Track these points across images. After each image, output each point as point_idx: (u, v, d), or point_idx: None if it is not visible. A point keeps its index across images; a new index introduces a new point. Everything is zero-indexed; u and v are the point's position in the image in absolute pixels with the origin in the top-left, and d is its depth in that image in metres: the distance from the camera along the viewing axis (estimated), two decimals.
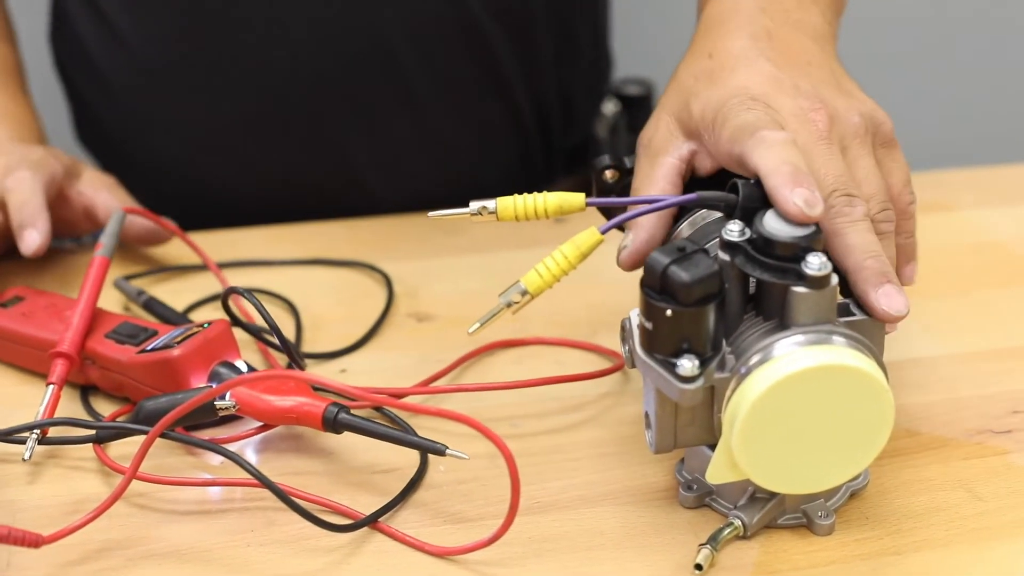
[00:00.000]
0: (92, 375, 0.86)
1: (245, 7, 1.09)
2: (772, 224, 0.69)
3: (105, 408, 0.85)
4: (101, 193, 1.00)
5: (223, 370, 0.82)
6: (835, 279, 0.69)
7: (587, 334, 0.90)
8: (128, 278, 0.97)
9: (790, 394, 0.67)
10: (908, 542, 0.73)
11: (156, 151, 1.17)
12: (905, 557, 0.72)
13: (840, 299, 0.71)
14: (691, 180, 0.78)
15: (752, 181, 0.71)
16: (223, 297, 0.86)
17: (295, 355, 0.84)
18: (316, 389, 0.79)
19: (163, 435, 0.75)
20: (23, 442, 0.79)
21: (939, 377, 0.86)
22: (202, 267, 0.99)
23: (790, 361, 0.67)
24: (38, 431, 0.79)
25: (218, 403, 0.78)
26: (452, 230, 1.03)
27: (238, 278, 0.99)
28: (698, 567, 0.70)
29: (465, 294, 0.96)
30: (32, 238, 0.92)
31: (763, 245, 0.69)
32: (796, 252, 0.68)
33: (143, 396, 0.81)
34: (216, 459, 0.80)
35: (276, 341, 0.83)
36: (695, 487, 0.75)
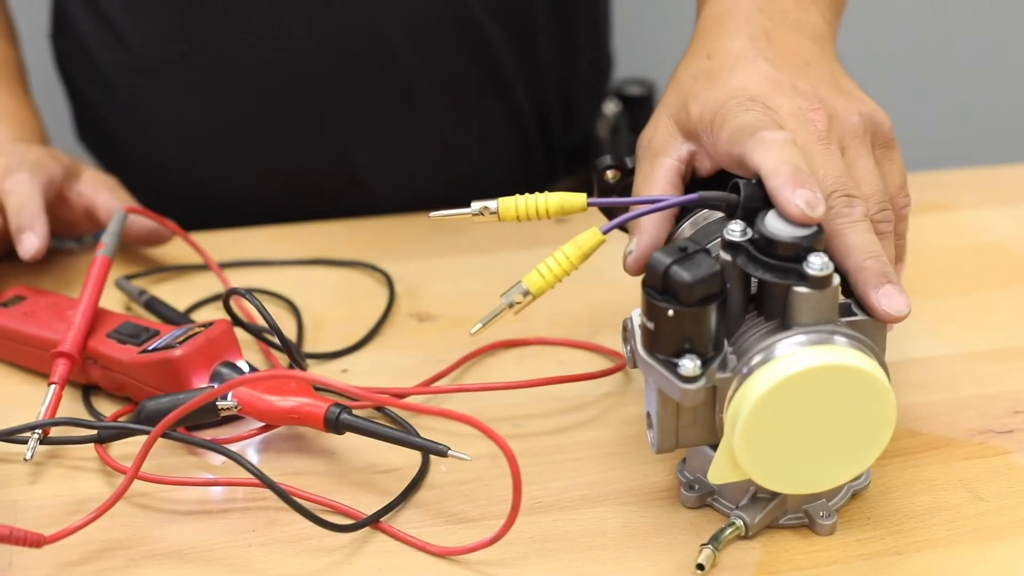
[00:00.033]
0: (94, 375, 0.86)
1: (245, 7, 1.09)
2: (774, 224, 0.69)
3: (107, 408, 0.85)
4: (102, 194, 1.00)
5: (225, 370, 0.82)
6: (837, 279, 0.69)
7: (589, 334, 0.90)
8: (130, 278, 0.97)
9: (792, 394, 0.67)
10: (910, 542, 0.73)
11: (156, 151, 1.17)
12: (907, 557, 0.72)
13: (841, 299, 0.71)
14: (692, 181, 0.78)
15: (753, 181, 0.71)
16: (224, 297, 0.86)
17: (296, 355, 0.84)
18: (318, 389, 0.79)
19: (165, 435, 0.75)
20: (25, 442, 0.79)
21: (940, 377, 0.86)
22: (204, 267, 0.99)
23: (792, 361, 0.67)
24: (40, 431, 0.79)
25: (220, 403, 0.78)
26: (453, 230, 1.03)
27: (239, 278, 0.99)
28: (700, 567, 0.70)
29: (466, 294, 0.96)
30: (30, 242, 0.92)
31: (765, 245, 0.69)
32: (798, 252, 0.68)
33: (145, 396, 0.81)
34: (218, 459, 0.80)
35: (277, 341, 0.83)
36: (697, 487, 0.75)
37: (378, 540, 0.74)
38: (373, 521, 0.74)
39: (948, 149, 1.64)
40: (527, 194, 0.75)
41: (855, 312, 0.71)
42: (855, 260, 0.71)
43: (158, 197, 1.11)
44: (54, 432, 0.80)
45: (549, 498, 0.76)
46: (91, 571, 0.72)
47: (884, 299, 0.70)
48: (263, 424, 0.80)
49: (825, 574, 0.71)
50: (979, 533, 0.74)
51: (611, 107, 1.29)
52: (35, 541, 0.70)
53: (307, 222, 1.08)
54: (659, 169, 0.77)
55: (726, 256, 0.69)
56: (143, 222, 0.98)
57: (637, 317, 0.71)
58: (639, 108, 1.29)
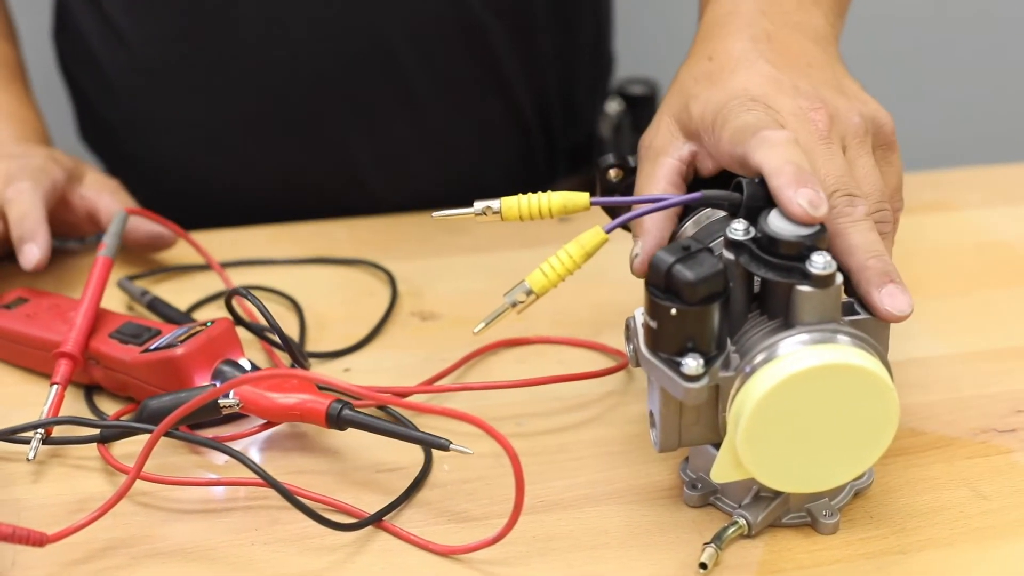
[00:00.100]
0: (96, 375, 0.86)
1: (245, 7, 1.09)
2: (776, 223, 0.69)
3: (109, 407, 0.85)
4: (104, 197, 1.00)
5: (227, 368, 0.82)
6: (839, 278, 0.69)
7: (591, 333, 0.90)
8: (131, 278, 0.97)
9: (795, 393, 0.67)
10: (912, 541, 0.73)
11: (157, 150, 1.17)
12: (909, 556, 0.72)
13: (844, 298, 0.71)
14: (694, 181, 0.78)
15: (756, 180, 0.71)
16: (226, 297, 0.86)
17: (298, 354, 0.84)
18: (320, 388, 0.79)
19: (167, 434, 0.75)
20: (27, 441, 0.79)
21: (942, 377, 0.86)
22: (205, 267, 0.99)
23: (795, 360, 0.67)
24: (42, 430, 0.79)
25: (222, 401, 0.78)
26: (456, 229, 1.03)
27: (241, 277, 0.99)
28: (702, 566, 0.70)
29: (469, 293, 0.96)
30: (32, 253, 0.92)
31: (767, 244, 0.69)
32: (801, 251, 0.68)
33: (147, 395, 0.81)
34: (220, 458, 0.80)
35: (279, 340, 0.83)
36: (699, 486, 0.75)
37: (381, 539, 0.74)
38: (376, 520, 0.74)
39: (950, 149, 1.64)
40: (530, 193, 0.75)
41: (858, 311, 0.71)
42: (857, 259, 0.71)
43: (159, 197, 1.12)
44: (57, 432, 0.80)
45: (552, 497, 0.76)
46: (94, 570, 0.72)
47: (887, 298, 0.70)
48: (265, 422, 0.80)
49: (828, 573, 0.71)
50: (982, 532, 0.74)
51: (613, 106, 1.30)
52: (38, 540, 0.70)
53: (309, 221, 1.08)
54: (660, 169, 0.77)
55: (729, 255, 0.69)
56: (146, 227, 0.98)
57: (640, 316, 0.71)
58: (642, 107, 1.29)
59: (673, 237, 0.77)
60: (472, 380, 0.87)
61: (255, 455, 0.80)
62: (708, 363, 0.68)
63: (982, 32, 1.85)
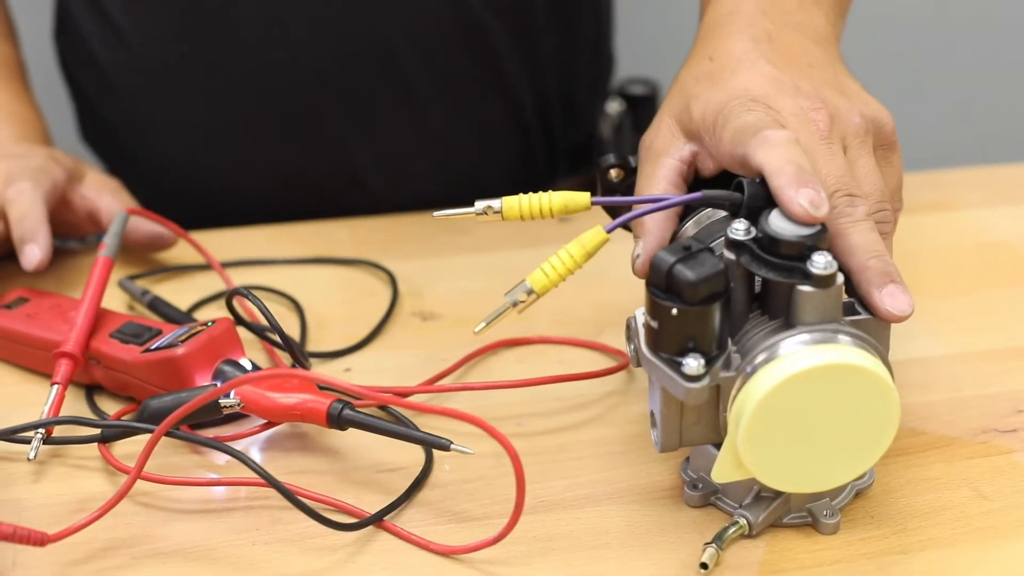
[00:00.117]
0: (97, 375, 0.86)
1: (245, 7, 1.09)
2: (777, 223, 0.69)
3: (110, 407, 0.85)
4: (104, 197, 1.00)
5: (227, 368, 0.82)
6: (840, 278, 0.69)
7: (592, 333, 0.90)
8: (132, 278, 0.97)
9: (796, 393, 0.67)
10: (913, 541, 0.73)
11: (157, 150, 1.17)
12: (910, 556, 0.72)
13: (845, 298, 0.71)
14: (695, 181, 0.78)
15: (757, 180, 0.71)
16: (227, 297, 0.86)
17: (299, 354, 0.84)
18: (321, 388, 0.79)
19: (168, 434, 0.75)
20: (28, 441, 0.79)
21: (942, 377, 0.86)
22: (206, 267, 0.99)
23: (796, 360, 0.67)
24: (43, 430, 0.79)
25: (222, 401, 0.78)
26: (456, 229, 1.03)
27: (242, 277, 0.99)
28: (703, 566, 0.70)
29: (470, 293, 0.96)
30: (33, 254, 0.92)
31: (768, 244, 0.69)
32: (802, 251, 0.68)
33: (148, 395, 0.81)
34: (221, 458, 0.80)
35: (280, 340, 0.83)
36: (700, 486, 0.75)
37: (382, 539, 0.74)
38: (377, 520, 0.74)
39: (951, 149, 1.64)
40: (531, 193, 0.75)
41: (859, 311, 0.71)
42: (858, 260, 0.71)
43: (159, 197, 1.12)
44: (57, 431, 0.80)
45: (552, 497, 0.76)
46: (95, 570, 0.72)
47: (887, 298, 0.70)
48: (266, 421, 0.80)
49: (829, 573, 0.71)
50: (983, 532, 0.74)
51: (614, 106, 1.30)
52: (39, 540, 0.70)
53: (309, 221, 1.08)
54: (661, 169, 0.77)
55: (730, 255, 0.69)
56: (146, 228, 0.98)
57: (641, 316, 0.71)
58: (642, 108, 1.29)
59: (674, 237, 0.77)
60: (473, 380, 0.87)
61: (256, 455, 0.80)
62: (709, 363, 0.68)
63: (982, 32, 1.85)
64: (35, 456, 0.78)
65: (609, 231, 0.74)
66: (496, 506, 0.76)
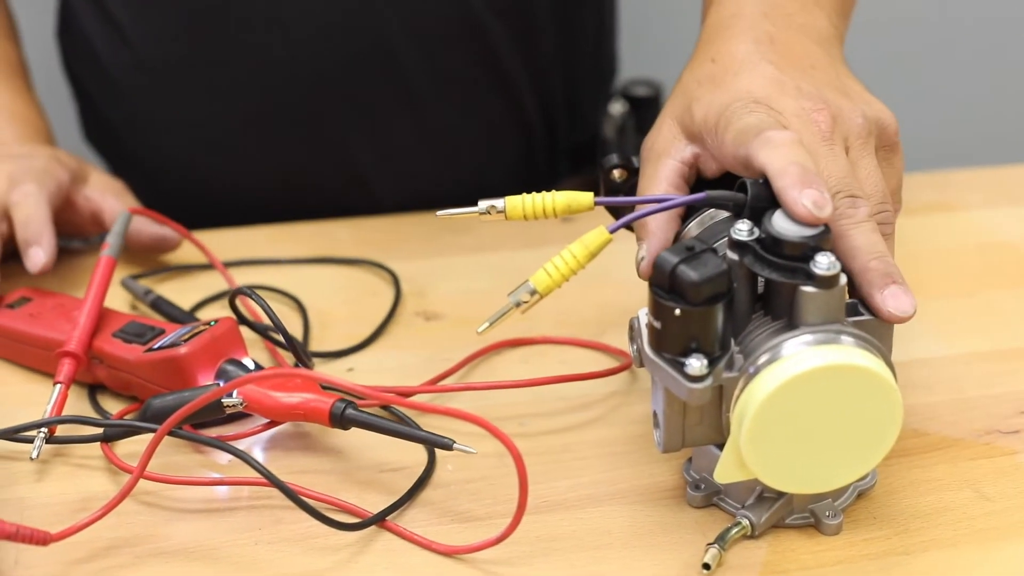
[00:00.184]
0: (100, 374, 0.86)
1: (246, 7, 1.09)
2: (781, 223, 0.69)
3: (113, 407, 0.85)
4: (108, 198, 1.00)
5: (230, 368, 0.82)
6: (844, 279, 0.69)
7: (595, 333, 0.90)
8: (135, 277, 0.97)
9: (798, 394, 0.67)
10: (916, 542, 0.73)
11: (159, 150, 1.17)
12: (913, 557, 0.72)
13: (848, 299, 0.71)
14: (698, 182, 0.78)
15: (760, 180, 0.71)
16: (230, 297, 0.86)
17: (302, 354, 0.84)
18: (324, 388, 0.79)
19: (171, 433, 0.75)
20: (31, 440, 0.79)
21: (945, 377, 0.86)
22: (208, 266, 0.99)
23: (799, 361, 0.67)
24: (46, 429, 0.79)
25: (225, 400, 0.78)
26: (459, 229, 1.03)
27: (244, 277, 0.99)
28: (706, 566, 0.70)
29: (472, 293, 0.96)
30: (37, 257, 0.92)
31: (772, 244, 0.69)
32: (805, 251, 0.68)
33: (150, 394, 0.81)
34: (224, 457, 0.80)
35: (283, 340, 0.83)
36: (703, 486, 0.75)
37: (384, 539, 0.74)
38: (379, 520, 0.74)
39: (953, 149, 1.64)
40: (534, 193, 0.75)
41: (861, 312, 0.71)
42: (860, 261, 0.71)
43: (161, 196, 1.12)
44: (60, 430, 0.80)
45: (555, 497, 0.76)
46: (97, 569, 0.72)
47: (889, 299, 0.70)
48: (268, 421, 0.80)
49: (831, 574, 0.71)
50: (985, 533, 0.73)
51: (617, 108, 1.30)
52: (41, 539, 0.70)
53: (312, 221, 1.08)
54: (662, 170, 0.77)
55: (733, 255, 0.69)
56: (150, 230, 0.98)
57: (644, 316, 0.71)
58: (646, 109, 1.29)
59: (677, 238, 0.77)
60: (475, 380, 0.87)
61: (258, 454, 0.80)
62: (712, 363, 0.68)
63: (986, 32, 1.85)
64: (38, 455, 0.78)
65: (612, 231, 0.74)
66: (499, 506, 0.76)
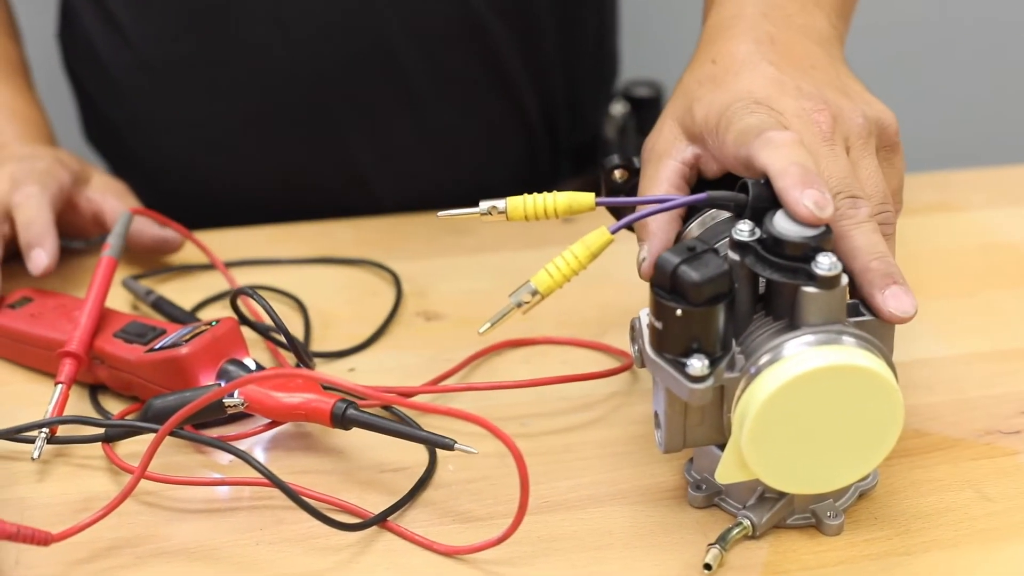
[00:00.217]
0: (101, 374, 0.86)
1: (246, 7, 1.10)
2: (782, 224, 0.69)
3: (114, 407, 0.85)
4: (109, 199, 1.00)
5: (231, 368, 0.82)
6: (845, 279, 0.69)
7: (596, 334, 0.90)
8: (136, 277, 0.97)
9: (800, 394, 0.67)
10: (917, 542, 0.73)
11: (160, 150, 1.17)
12: (914, 557, 0.72)
13: (849, 299, 0.71)
14: (699, 183, 0.78)
15: (762, 181, 0.71)
16: (231, 297, 0.86)
17: (303, 354, 0.84)
18: (325, 388, 0.79)
19: (172, 433, 0.75)
20: (32, 440, 0.79)
21: (946, 378, 0.86)
22: (209, 266, 0.99)
23: (800, 361, 0.67)
24: (47, 429, 0.79)
25: (227, 401, 0.78)
26: (460, 230, 1.03)
27: (246, 277, 0.99)
28: (707, 567, 0.70)
29: (474, 293, 0.96)
30: (39, 258, 0.93)
31: (773, 245, 0.69)
32: (806, 252, 0.68)
33: (152, 394, 0.81)
34: (225, 457, 0.80)
35: (284, 340, 0.83)
36: (704, 487, 0.75)
37: (385, 539, 0.74)
38: (380, 520, 0.74)
39: (955, 149, 1.64)
40: (535, 193, 0.75)
41: (863, 312, 0.71)
42: (861, 261, 0.71)
43: (161, 196, 1.12)
44: (61, 431, 0.80)
45: (556, 497, 0.76)
46: (98, 569, 0.72)
47: (890, 300, 0.70)
48: (270, 421, 0.80)
49: (832, 574, 0.71)
50: (986, 533, 0.73)
51: (618, 108, 1.30)
52: (42, 539, 0.70)
53: (312, 221, 1.08)
54: (663, 171, 0.77)
55: (734, 256, 0.69)
56: (152, 232, 0.98)
57: (645, 317, 0.71)
58: (647, 109, 1.29)
59: (678, 238, 0.77)
60: (477, 380, 0.87)
61: (260, 455, 0.80)
62: (713, 364, 0.68)
63: (986, 32, 1.85)
64: (39, 455, 0.78)
65: (613, 232, 0.74)
66: (500, 506, 0.76)
